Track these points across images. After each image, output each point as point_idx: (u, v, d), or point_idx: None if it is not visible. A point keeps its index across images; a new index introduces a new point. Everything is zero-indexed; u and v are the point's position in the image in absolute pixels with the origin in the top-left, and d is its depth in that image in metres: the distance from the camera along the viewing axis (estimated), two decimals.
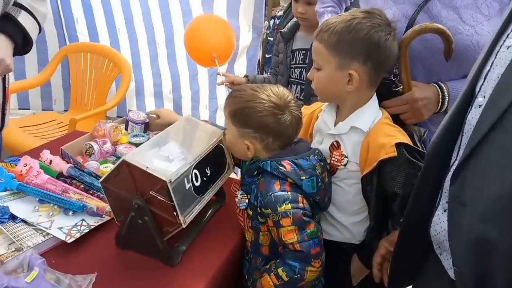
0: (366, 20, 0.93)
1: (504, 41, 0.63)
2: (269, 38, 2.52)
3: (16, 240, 0.94)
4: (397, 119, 1.04)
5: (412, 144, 0.95)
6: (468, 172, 0.62)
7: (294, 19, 1.68)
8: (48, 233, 0.98)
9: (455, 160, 0.67)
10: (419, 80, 1.08)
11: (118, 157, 1.35)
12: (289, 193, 0.92)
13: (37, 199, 1.08)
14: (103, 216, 1.08)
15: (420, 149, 0.99)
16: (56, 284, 0.85)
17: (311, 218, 0.94)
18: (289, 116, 0.95)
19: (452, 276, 0.67)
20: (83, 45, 2.77)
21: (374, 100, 1.00)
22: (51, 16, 2.70)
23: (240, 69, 2.68)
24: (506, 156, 0.56)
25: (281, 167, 0.92)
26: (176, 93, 2.95)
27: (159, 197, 0.89)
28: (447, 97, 1.06)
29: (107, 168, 1.26)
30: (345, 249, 1.05)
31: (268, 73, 1.85)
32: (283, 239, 0.92)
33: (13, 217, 1.02)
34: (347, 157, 0.99)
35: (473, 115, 0.64)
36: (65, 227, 1.01)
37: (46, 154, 1.26)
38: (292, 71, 1.65)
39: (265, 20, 2.40)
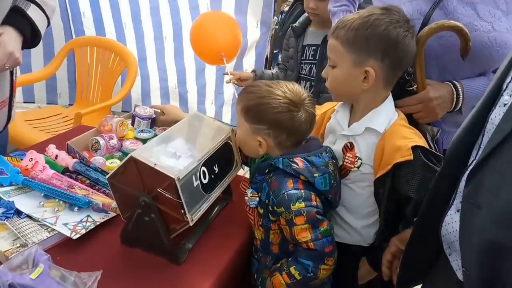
0: (384, 16, 0.90)
1: None
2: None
3: (21, 236, 0.93)
4: (409, 119, 1.02)
5: (428, 147, 0.92)
6: (485, 173, 0.60)
7: (306, 14, 1.65)
8: (53, 229, 0.97)
9: (474, 160, 0.65)
10: (433, 78, 1.05)
11: (124, 153, 1.34)
12: (302, 191, 0.90)
13: (42, 194, 1.07)
14: (109, 212, 1.06)
15: (433, 149, 0.97)
16: (61, 281, 0.84)
17: (324, 216, 0.93)
18: (304, 113, 0.93)
19: (460, 277, 0.66)
20: (90, 39, 2.76)
21: (390, 101, 0.98)
22: (58, 9, 2.69)
23: (249, 64, 2.66)
24: None
25: (293, 164, 0.91)
26: (182, 88, 2.94)
27: (166, 195, 0.87)
28: (461, 96, 1.03)
29: (113, 163, 1.25)
30: (354, 251, 1.03)
31: (275, 69, 1.83)
32: (296, 237, 0.90)
33: (18, 213, 1.00)
34: (360, 159, 0.96)
35: (497, 114, 0.62)
36: (71, 223, 1.00)
37: (52, 149, 1.25)
38: (301, 66, 1.63)
39: (274, 16, 2.37)
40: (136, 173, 0.90)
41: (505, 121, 0.59)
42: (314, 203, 0.91)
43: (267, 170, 0.96)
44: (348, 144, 0.99)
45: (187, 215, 0.89)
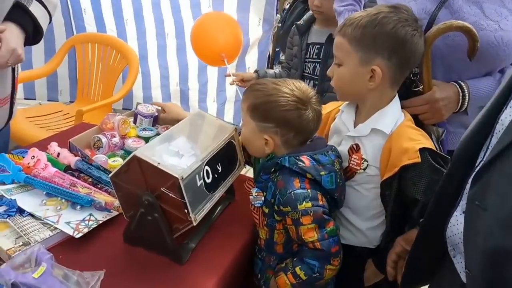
0: (393, 15, 0.89)
1: None
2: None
3: (24, 234, 0.93)
4: (414, 119, 1.01)
5: (436, 149, 0.91)
6: (492, 175, 0.59)
7: (310, 12, 1.64)
8: (56, 228, 0.97)
9: (481, 161, 0.64)
10: (438, 78, 1.04)
11: (126, 151, 1.33)
12: (309, 190, 0.90)
13: (44, 192, 1.06)
14: (111, 211, 1.06)
15: (438, 150, 0.96)
16: (64, 280, 0.83)
17: (329, 216, 0.92)
18: (311, 111, 0.93)
19: (464, 280, 0.65)
20: (91, 35, 2.75)
21: (396, 101, 0.97)
22: (59, 5, 2.67)
23: (251, 62, 2.65)
24: None
25: (300, 163, 0.90)
26: (184, 86, 2.93)
27: (170, 194, 0.87)
28: (467, 97, 1.02)
29: (115, 161, 1.24)
30: (359, 253, 1.02)
31: (277, 68, 1.82)
32: (303, 237, 0.90)
33: (21, 211, 1.00)
34: (367, 161, 0.95)
35: (507, 115, 0.61)
36: (73, 222, 0.99)
37: (54, 147, 1.24)
38: (305, 65, 1.62)
39: (276, 13, 2.36)
40: (139, 172, 0.89)
41: None
42: (320, 202, 0.90)
43: (273, 169, 0.95)
44: (354, 146, 0.98)
45: (190, 215, 0.88)
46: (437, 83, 1.02)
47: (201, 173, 0.93)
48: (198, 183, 0.92)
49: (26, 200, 1.03)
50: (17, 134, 1.97)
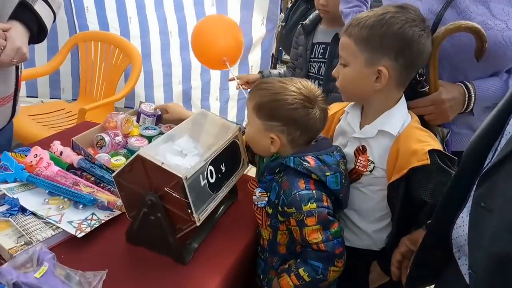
0: (400, 15, 0.88)
1: None
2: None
3: (26, 234, 0.92)
4: (420, 120, 1.00)
5: (444, 151, 0.90)
6: (499, 177, 0.58)
7: (317, 12, 1.63)
8: (58, 227, 0.96)
9: (489, 162, 0.63)
10: (444, 78, 1.03)
11: (129, 150, 1.32)
12: (314, 191, 0.89)
13: (46, 191, 1.06)
14: (114, 210, 1.05)
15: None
16: (66, 280, 0.83)
17: (334, 217, 0.92)
18: (318, 110, 0.92)
19: (467, 281, 0.65)
20: (94, 33, 2.74)
21: (403, 102, 0.96)
22: (63, 4, 2.67)
23: (254, 60, 2.63)
24: None
25: (305, 163, 0.89)
26: (186, 84, 2.92)
27: (173, 194, 0.86)
28: (473, 97, 1.01)
29: (118, 160, 1.24)
30: (364, 255, 1.02)
31: (282, 68, 1.81)
32: (307, 238, 0.89)
33: (23, 210, 0.99)
34: (373, 163, 0.94)
35: None
36: (75, 221, 0.99)
37: (57, 145, 1.24)
38: (310, 65, 1.60)
39: (280, 12, 2.34)
40: (143, 172, 0.88)
41: None
42: (325, 203, 0.90)
43: (277, 170, 0.95)
44: (361, 148, 0.97)
45: (194, 215, 0.87)
46: (443, 84, 1.01)
47: (205, 173, 0.93)
48: (202, 183, 0.92)
49: (29, 199, 1.02)
50: (19, 132, 1.97)
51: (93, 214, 1.02)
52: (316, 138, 0.97)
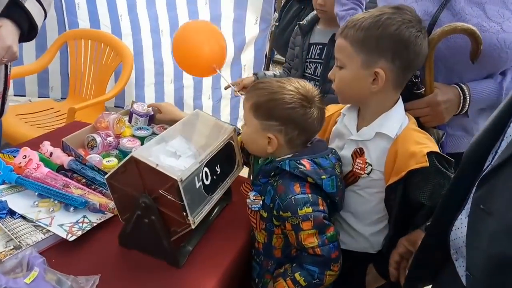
0: (396, 16, 0.87)
1: None
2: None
3: (15, 238, 0.89)
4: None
5: (442, 153, 0.90)
6: (499, 180, 0.58)
7: (314, 12, 1.62)
8: (48, 230, 0.94)
9: (489, 164, 0.63)
10: (439, 80, 1.03)
11: (121, 151, 1.30)
12: (309, 195, 0.88)
13: (36, 193, 1.03)
14: (106, 212, 1.03)
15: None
16: (57, 286, 0.81)
17: (329, 221, 0.91)
18: (316, 110, 0.91)
19: (465, 283, 0.65)
20: (84, 31, 2.69)
21: (400, 104, 0.95)
22: (53, 1, 2.61)
23: (247, 60, 2.61)
24: None
25: (300, 166, 0.88)
26: (178, 83, 2.88)
27: (168, 196, 0.84)
28: (468, 99, 1.02)
29: (110, 162, 1.21)
30: (360, 258, 1.01)
31: (277, 69, 1.79)
32: (303, 243, 0.88)
33: (11, 213, 0.96)
34: (371, 165, 0.94)
35: None
36: (66, 224, 0.96)
37: (47, 146, 1.21)
38: (306, 65, 1.60)
39: (274, 12, 2.33)
40: (137, 174, 0.86)
41: None
42: (321, 207, 0.89)
43: (272, 173, 0.94)
44: (358, 150, 0.96)
45: (189, 218, 0.86)
46: (438, 86, 1.01)
47: (200, 174, 0.91)
48: (197, 185, 0.90)
49: (17, 202, 1.00)
50: (6, 131, 1.92)
51: (84, 217, 1.00)
52: (312, 138, 0.96)
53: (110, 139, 1.29)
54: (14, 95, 2.96)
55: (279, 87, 0.91)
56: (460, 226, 0.66)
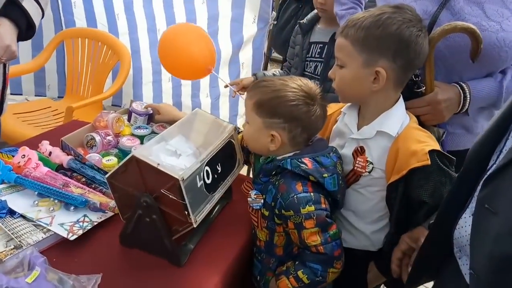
0: (397, 15, 0.87)
1: None
2: None
3: (15, 237, 0.89)
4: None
5: (443, 151, 0.90)
6: (504, 179, 0.58)
7: (315, 11, 1.62)
8: (49, 230, 0.93)
9: (493, 163, 0.63)
10: (439, 79, 1.04)
11: (120, 150, 1.30)
12: (312, 194, 0.88)
13: (36, 193, 1.03)
14: (106, 211, 1.03)
15: None
16: (59, 285, 0.80)
17: (331, 218, 0.91)
18: (318, 107, 0.92)
19: (468, 281, 0.65)
20: (81, 30, 2.67)
21: (401, 103, 0.95)
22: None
23: (245, 58, 2.60)
24: None
25: (302, 165, 0.88)
26: (176, 81, 2.87)
27: (170, 196, 0.84)
28: (468, 98, 1.02)
29: (110, 161, 1.21)
30: (360, 256, 1.01)
31: (276, 69, 1.79)
32: (306, 241, 0.88)
33: (11, 212, 0.96)
34: (372, 164, 0.94)
35: None
36: (67, 223, 0.96)
37: (46, 145, 1.20)
38: (307, 64, 1.60)
39: (272, 10, 2.33)
40: (138, 173, 0.86)
41: None
42: (323, 206, 0.89)
43: (274, 172, 0.93)
44: (359, 148, 0.96)
45: (191, 217, 0.86)
46: (438, 84, 1.01)
47: (201, 173, 0.91)
48: (199, 184, 0.90)
49: (17, 201, 0.99)
50: (4, 130, 1.89)
51: (85, 216, 1.00)
52: (315, 136, 0.97)
53: (110, 138, 1.29)
54: (11, 94, 2.94)
55: (282, 85, 0.91)
56: (464, 225, 0.66)
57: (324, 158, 0.92)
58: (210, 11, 2.55)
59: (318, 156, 0.91)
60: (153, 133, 1.38)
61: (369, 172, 0.94)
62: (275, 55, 3.91)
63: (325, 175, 0.89)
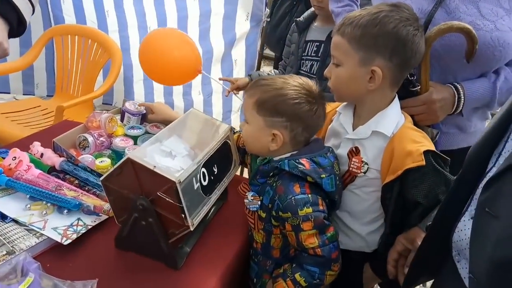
0: (394, 14, 0.87)
1: None
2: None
3: (7, 242, 0.87)
4: None
5: (437, 151, 0.90)
6: (505, 182, 0.58)
7: (312, 9, 1.61)
8: (42, 234, 0.91)
9: (493, 166, 0.63)
10: (434, 78, 1.04)
11: (114, 151, 1.28)
12: (309, 195, 0.87)
13: (28, 196, 1.01)
14: (100, 214, 1.01)
15: None
16: None
17: (329, 220, 0.91)
18: (319, 106, 0.91)
19: (467, 284, 0.65)
20: (71, 27, 2.62)
21: (396, 103, 0.95)
22: None
23: (239, 55, 2.58)
24: None
25: (300, 166, 0.87)
26: None
27: (167, 199, 0.83)
28: (462, 99, 1.02)
29: (103, 162, 1.19)
30: (355, 258, 1.01)
31: (271, 69, 1.78)
32: (303, 243, 0.88)
33: (3, 216, 0.94)
34: (367, 164, 0.94)
35: None
36: (60, 227, 0.94)
37: (37, 147, 1.18)
38: (302, 63, 1.59)
39: (266, 8, 2.31)
40: (134, 176, 0.85)
41: None
42: (321, 207, 0.89)
43: (271, 174, 0.93)
44: (354, 149, 0.96)
45: (188, 220, 0.85)
46: (433, 85, 1.02)
47: (198, 175, 0.90)
48: (195, 186, 0.89)
49: (9, 205, 0.97)
50: None
51: (78, 219, 0.98)
52: (314, 135, 0.96)
53: (103, 139, 1.27)
54: None
55: (284, 83, 0.90)
56: (464, 228, 0.66)
57: (322, 158, 0.91)
58: (202, 8, 2.52)
59: (316, 156, 0.91)
60: (147, 133, 1.36)
61: (364, 172, 0.94)
62: (267, 52, 3.89)
63: (323, 175, 0.89)
